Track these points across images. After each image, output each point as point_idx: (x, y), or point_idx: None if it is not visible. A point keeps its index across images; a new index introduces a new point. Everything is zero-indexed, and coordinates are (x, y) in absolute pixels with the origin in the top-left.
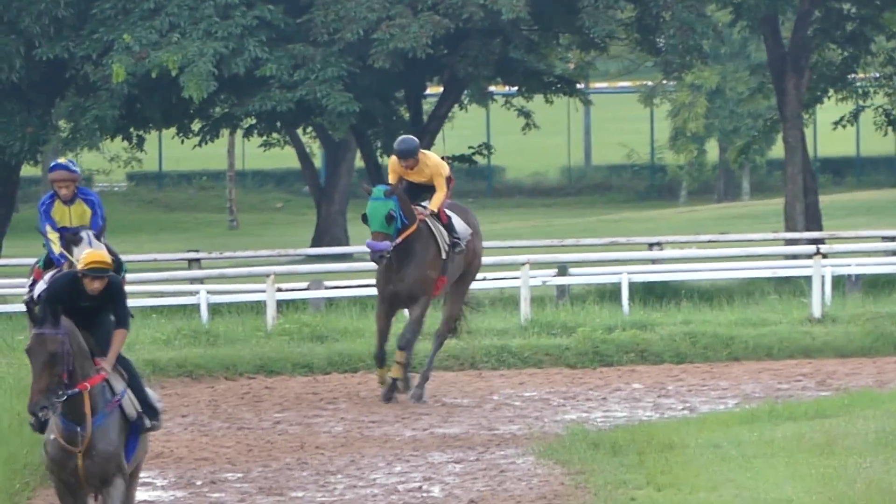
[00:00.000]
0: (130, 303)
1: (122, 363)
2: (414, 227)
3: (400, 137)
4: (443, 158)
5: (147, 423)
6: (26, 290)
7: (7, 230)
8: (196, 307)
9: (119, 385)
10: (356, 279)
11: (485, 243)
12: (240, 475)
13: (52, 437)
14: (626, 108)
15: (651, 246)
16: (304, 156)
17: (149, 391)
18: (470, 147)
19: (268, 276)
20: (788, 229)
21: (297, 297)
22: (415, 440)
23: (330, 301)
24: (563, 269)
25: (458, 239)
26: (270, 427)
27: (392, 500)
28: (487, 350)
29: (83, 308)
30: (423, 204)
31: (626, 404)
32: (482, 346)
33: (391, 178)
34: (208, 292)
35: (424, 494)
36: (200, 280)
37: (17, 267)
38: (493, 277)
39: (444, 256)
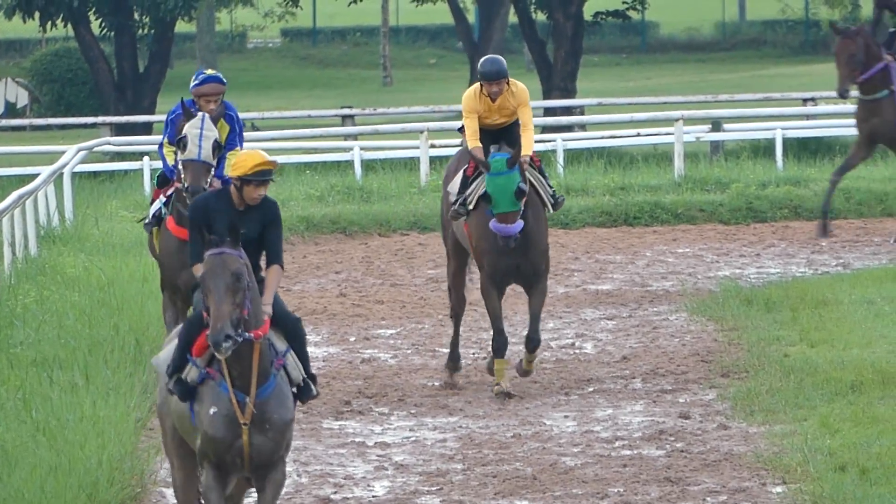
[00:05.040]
0: (284, 159)
1: (287, 320)
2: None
3: (485, 57)
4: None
5: (314, 390)
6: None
7: (161, 87)
8: (350, 163)
9: (280, 343)
10: None
11: (639, 99)
12: (393, 332)
13: (212, 412)
14: None
15: (805, 101)
16: (457, 11)
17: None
18: (624, 2)
19: (421, 132)
20: None
21: (451, 153)
22: (567, 296)
23: None
24: (716, 125)
25: (552, 187)
26: (423, 284)
27: (545, 356)
28: (640, 206)
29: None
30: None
31: (780, 260)
32: (635, 202)
33: (467, 123)
34: (362, 149)
35: (577, 351)
36: (354, 136)
37: None
38: (646, 133)
39: (550, 211)
